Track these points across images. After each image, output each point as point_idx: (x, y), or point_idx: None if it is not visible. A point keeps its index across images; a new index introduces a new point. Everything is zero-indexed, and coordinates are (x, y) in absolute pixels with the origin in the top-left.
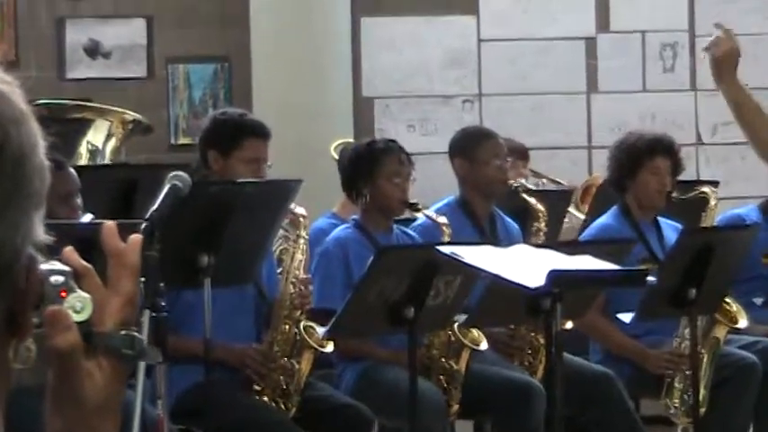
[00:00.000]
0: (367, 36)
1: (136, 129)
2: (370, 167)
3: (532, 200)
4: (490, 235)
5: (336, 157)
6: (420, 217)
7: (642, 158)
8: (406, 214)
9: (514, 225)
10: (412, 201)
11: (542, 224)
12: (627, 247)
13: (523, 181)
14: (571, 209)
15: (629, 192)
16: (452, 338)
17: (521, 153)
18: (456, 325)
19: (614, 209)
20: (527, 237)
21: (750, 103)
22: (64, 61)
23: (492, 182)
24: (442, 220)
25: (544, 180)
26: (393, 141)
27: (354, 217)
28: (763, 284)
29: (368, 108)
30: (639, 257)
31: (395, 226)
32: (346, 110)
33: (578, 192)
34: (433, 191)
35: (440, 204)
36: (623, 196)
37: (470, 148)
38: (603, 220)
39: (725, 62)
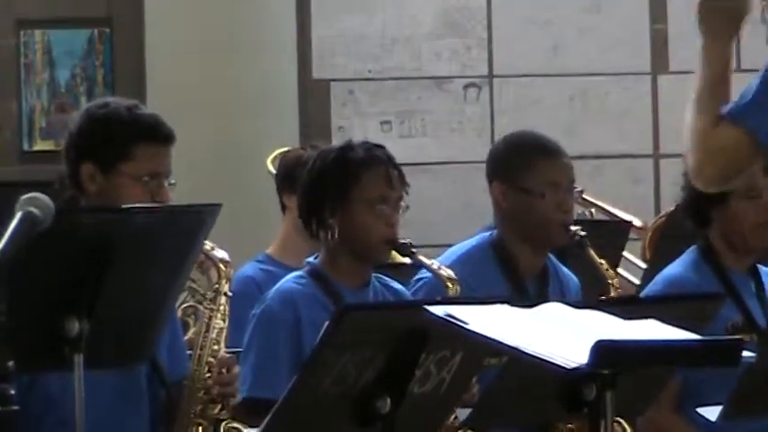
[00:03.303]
0: None
1: None
2: (343, 187)
3: (603, 262)
4: (536, 297)
5: (274, 171)
6: (411, 264)
7: None
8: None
9: (574, 279)
10: (402, 240)
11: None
12: (711, 308)
13: None
14: (628, 254)
15: (714, 226)
16: None
17: None
18: (458, 427)
19: (691, 252)
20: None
21: None
22: None
23: (546, 224)
24: (447, 273)
25: (593, 210)
26: (379, 147)
27: (311, 260)
28: None
29: (320, 96)
30: (730, 323)
31: (374, 277)
32: (288, 99)
33: (647, 234)
34: (418, 223)
35: (466, 246)
36: (706, 233)
37: (519, 169)
38: (675, 268)
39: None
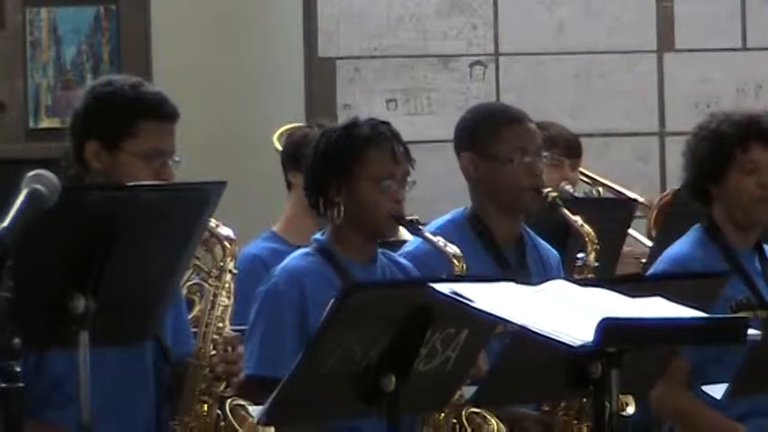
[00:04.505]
0: None
1: None
2: (348, 164)
3: (577, 219)
4: (516, 267)
5: (280, 148)
6: (413, 239)
7: (731, 150)
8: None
9: (554, 253)
10: (409, 216)
11: (591, 256)
12: (716, 286)
13: (569, 188)
14: (634, 232)
15: (716, 203)
16: (458, 426)
17: (568, 146)
18: (463, 404)
19: (696, 230)
20: (568, 272)
21: None
22: None
23: (517, 190)
24: (453, 249)
25: (600, 188)
26: (384, 123)
27: (318, 237)
28: None
29: (326, 74)
30: (734, 301)
31: (380, 253)
32: (294, 77)
33: (652, 212)
34: (424, 200)
35: (440, 222)
36: (709, 210)
37: (485, 137)
38: (680, 246)
39: None
